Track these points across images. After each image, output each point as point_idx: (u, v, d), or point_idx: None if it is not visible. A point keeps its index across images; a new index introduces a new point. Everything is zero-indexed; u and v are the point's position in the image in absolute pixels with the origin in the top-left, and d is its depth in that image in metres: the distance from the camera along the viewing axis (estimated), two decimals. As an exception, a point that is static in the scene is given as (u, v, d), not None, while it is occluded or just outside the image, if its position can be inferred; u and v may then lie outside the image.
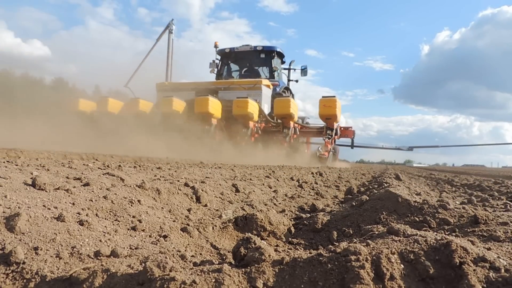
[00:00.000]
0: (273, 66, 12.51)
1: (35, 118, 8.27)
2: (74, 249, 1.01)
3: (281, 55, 13.11)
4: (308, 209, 2.44)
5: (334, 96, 9.71)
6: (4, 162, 2.69)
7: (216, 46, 12.97)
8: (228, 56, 13.01)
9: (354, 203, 2.06)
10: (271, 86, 10.91)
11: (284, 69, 13.80)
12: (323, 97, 9.76)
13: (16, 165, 2.51)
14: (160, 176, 2.72)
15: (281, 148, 10.26)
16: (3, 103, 8.33)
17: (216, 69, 12.97)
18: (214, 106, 8.77)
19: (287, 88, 12.82)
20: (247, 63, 12.94)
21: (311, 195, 3.14)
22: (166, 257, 0.93)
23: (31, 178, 1.58)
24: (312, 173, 5.87)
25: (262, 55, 12.59)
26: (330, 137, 10.82)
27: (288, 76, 13.91)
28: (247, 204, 2.24)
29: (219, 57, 13.12)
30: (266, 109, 10.25)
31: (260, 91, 9.97)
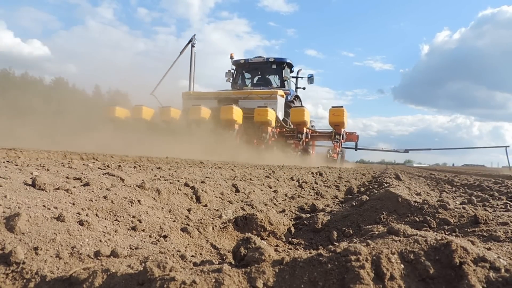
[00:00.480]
0: (283, 76, 14.17)
1: (78, 123, 9.47)
2: (74, 249, 1.01)
3: (290, 66, 14.71)
4: (308, 209, 2.44)
5: (342, 106, 11.08)
6: (4, 162, 2.69)
7: (231, 58, 14.62)
8: (242, 66, 14.58)
9: (354, 203, 2.06)
10: (284, 95, 12.39)
11: (292, 77, 15.31)
12: (332, 107, 11.12)
13: (16, 165, 2.51)
14: (160, 176, 2.72)
15: (296, 150, 11.79)
16: (53, 113, 9.69)
17: (231, 78, 14.67)
18: (237, 113, 10.22)
19: (297, 96, 14.30)
20: (260, 72, 14.64)
21: (311, 195, 3.14)
22: (166, 257, 0.93)
23: (31, 178, 1.58)
24: (312, 173, 5.87)
25: (274, 66, 14.18)
26: (338, 141, 12.05)
27: (296, 84, 15.44)
28: (247, 204, 2.24)
29: (234, 67, 14.73)
30: (280, 116, 11.75)
31: (276, 101, 11.48)
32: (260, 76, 14.71)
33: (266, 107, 10.37)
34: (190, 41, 13.17)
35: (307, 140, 11.95)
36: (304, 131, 11.37)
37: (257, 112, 10.23)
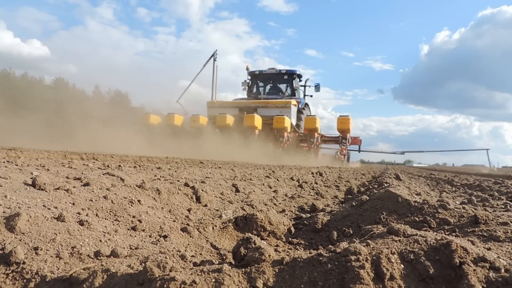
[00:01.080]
0: (294, 86, 15.95)
1: (118, 128, 10.85)
2: (74, 249, 1.01)
3: (299, 76, 16.56)
4: (308, 209, 2.44)
5: (348, 115, 13.37)
6: (4, 162, 2.69)
7: (247, 69, 16.62)
8: (257, 77, 16.55)
9: (354, 203, 2.06)
10: (297, 104, 14.23)
11: (301, 85, 17.07)
12: (340, 116, 13.41)
13: (16, 165, 2.51)
14: (160, 176, 2.72)
15: (308, 152, 13.77)
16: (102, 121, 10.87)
17: (247, 87, 16.55)
18: (258, 121, 11.79)
19: (307, 104, 16.22)
20: (272, 82, 16.55)
21: (311, 195, 3.14)
22: (166, 257, 0.93)
23: (31, 178, 1.58)
24: (312, 173, 5.87)
25: (285, 77, 16.11)
26: (344, 144, 14.24)
27: (304, 92, 17.20)
28: (247, 204, 2.24)
29: (249, 77, 16.62)
30: (294, 122, 13.50)
31: (290, 109, 13.24)
32: (272, 85, 16.59)
33: (283, 115, 12.03)
34: (212, 55, 15.09)
35: (318, 143, 13.87)
36: (316, 136, 13.29)
37: (275, 120, 11.85)
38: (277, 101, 13.81)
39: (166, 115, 12.72)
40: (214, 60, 15.09)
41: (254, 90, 16.56)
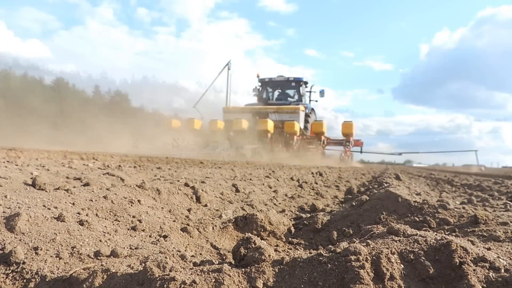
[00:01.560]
0: (301, 92, 17.53)
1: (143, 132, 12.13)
2: (74, 249, 1.01)
3: (306, 83, 18.15)
4: (308, 209, 2.43)
5: (351, 121, 15.06)
6: (4, 162, 2.69)
7: (258, 76, 18.24)
8: (266, 84, 18.11)
9: (354, 203, 2.06)
10: (304, 109, 15.79)
11: (307, 91, 18.63)
12: (344, 121, 15.10)
13: (16, 165, 2.51)
14: (160, 176, 2.72)
15: (316, 153, 15.24)
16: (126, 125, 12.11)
17: (257, 93, 18.17)
18: (270, 125, 13.24)
19: (313, 109, 17.88)
20: (280, 88, 18.25)
21: (311, 195, 3.14)
22: (166, 257, 0.93)
23: (31, 178, 1.58)
24: (312, 173, 5.87)
25: (293, 84, 17.70)
26: (348, 146, 15.75)
27: (310, 97, 18.77)
28: (247, 204, 2.24)
29: (260, 84, 18.18)
30: (302, 126, 15.03)
31: (298, 115, 14.75)
32: (281, 91, 18.19)
33: (294, 120, 13.63)
34: (226, 64, 16.55)
35: (324, 145, 15.45)
36: (322, 139, 14.86)
37: (286, 125, 13.31)
38: (287, 107, 15.36)
39: (186, 120, 14.07)
40: (228, 69, 16.52)
41: (264, 95, 18.11)
